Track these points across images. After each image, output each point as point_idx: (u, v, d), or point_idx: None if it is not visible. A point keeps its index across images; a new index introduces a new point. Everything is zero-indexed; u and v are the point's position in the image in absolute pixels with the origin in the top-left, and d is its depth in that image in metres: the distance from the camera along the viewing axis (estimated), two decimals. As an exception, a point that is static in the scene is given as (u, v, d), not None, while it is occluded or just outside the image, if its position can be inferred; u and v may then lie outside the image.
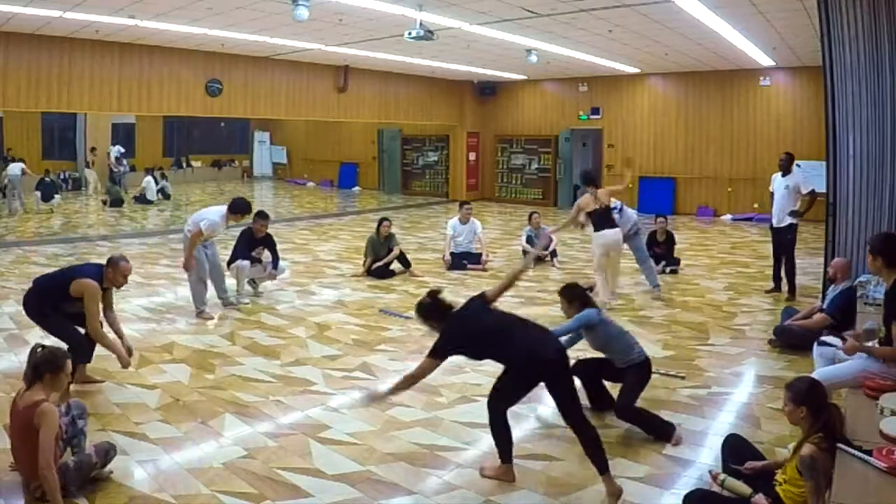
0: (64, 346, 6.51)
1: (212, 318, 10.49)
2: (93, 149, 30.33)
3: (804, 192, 11.72)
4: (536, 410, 6.99)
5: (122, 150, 30.49)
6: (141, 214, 23.49)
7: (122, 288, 7.88)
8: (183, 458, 5.98)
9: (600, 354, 7.07)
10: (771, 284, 12.44)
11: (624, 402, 6.57)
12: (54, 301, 7.39)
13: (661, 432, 6.43)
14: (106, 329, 7.53)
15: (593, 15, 14.45)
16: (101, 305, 7.42)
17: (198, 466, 5.81)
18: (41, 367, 5.06)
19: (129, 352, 7.59)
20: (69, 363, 5.25)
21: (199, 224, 10.53)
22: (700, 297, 12.22)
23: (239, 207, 10.79)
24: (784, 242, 11.98)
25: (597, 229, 11.40)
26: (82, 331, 7.42)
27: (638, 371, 6.75)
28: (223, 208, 10.81)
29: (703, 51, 19.12)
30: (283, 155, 39.30)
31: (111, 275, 7.41)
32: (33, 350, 5.25)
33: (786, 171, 11.97)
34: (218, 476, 5.65)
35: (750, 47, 18.24)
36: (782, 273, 12.14)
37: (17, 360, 8.28)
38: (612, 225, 11.40)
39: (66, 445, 5.27)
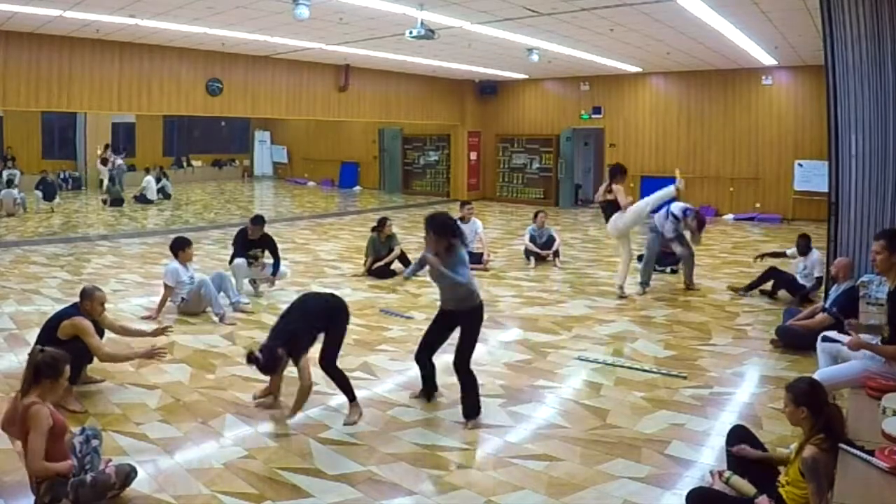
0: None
1: (234, 324, 10.39)
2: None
3: (816, 275, 11.50)
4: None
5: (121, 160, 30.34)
6: (141, 214, 23.45)
7: (123, 287, 7.88)
8: (183, 458, 5.98)
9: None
10: (745, 283, 12.48)
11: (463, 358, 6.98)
12: None
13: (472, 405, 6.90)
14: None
15: (595, 14, 14.44)
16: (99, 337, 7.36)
17: (198, 467, 5.81)
18: (41, 372, 4.98)
19: (160, 333, 7.81)
20: (68, 369, 5.21)
21: (164, 281, 10.79)
22: (702, 296, 12.22)
23: (175, 245, 11.02)
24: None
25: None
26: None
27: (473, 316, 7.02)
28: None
29: (705, 50, 19.12)
30: (284, 154, 39.27)
31: (89, 306, 7.37)
32: (34, 351, 5.19)
33: (804, 252, 11.78)
34: (218, 476, 5.65)
35: (752, 46, 18.23)
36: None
37: (17, 360, 8.27)
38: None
39: (80, 465, 5.23)
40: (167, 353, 7.66)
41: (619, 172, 11.97)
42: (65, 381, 5.18)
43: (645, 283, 12.46)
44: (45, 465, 4.85)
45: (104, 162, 28.61)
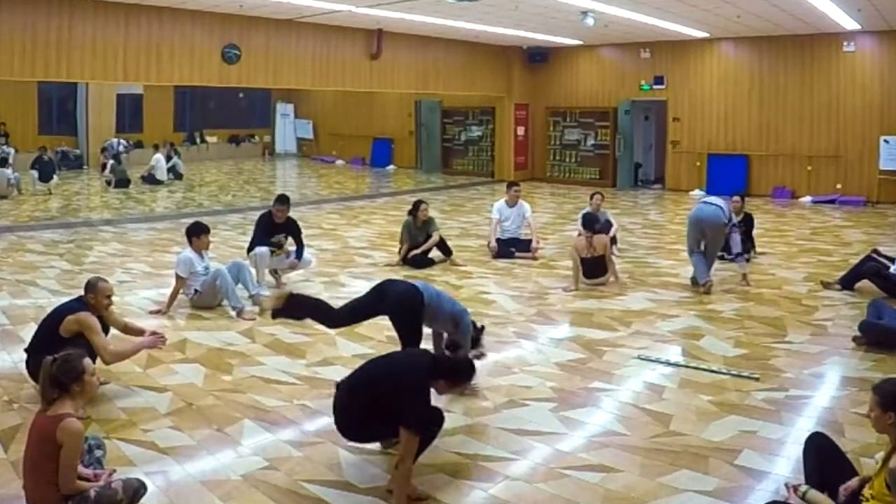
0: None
1: (253, 319, 10.34)
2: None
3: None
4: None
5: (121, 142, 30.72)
6: (149, 196, 23.67)
7: (130, 278, 7.92)
8: (197, 469, 6.00)
9: None
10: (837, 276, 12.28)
11: None
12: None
13: None
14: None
15: (656, -29, 14.38)
16: (104, 335, 7.37)
17: (213, 479, 5.83)
18: (65, 379, 4.95)
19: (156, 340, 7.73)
20: (89, 362, 5.20)
21: (176, 272, 10.77)
22: (776, 288, 12.10)
23: (191, 231, 11.04)
24: None
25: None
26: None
27: None
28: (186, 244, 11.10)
29: (780, 13, 18.93)
30: (309, 129, 39.34)
31: (93, 300, 7.41)
32: (45, 364, 5.07)
33: None
34: (236, 489, 5.67)
35: (832, 9, 18.02)
36: None
37: (10, 358, 8.37)
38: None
39: None
40: (165, 338, 7.73)
41: None
42: (91, 376, 5.17)
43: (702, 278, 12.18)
44: (79, 485, 4.89)
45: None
